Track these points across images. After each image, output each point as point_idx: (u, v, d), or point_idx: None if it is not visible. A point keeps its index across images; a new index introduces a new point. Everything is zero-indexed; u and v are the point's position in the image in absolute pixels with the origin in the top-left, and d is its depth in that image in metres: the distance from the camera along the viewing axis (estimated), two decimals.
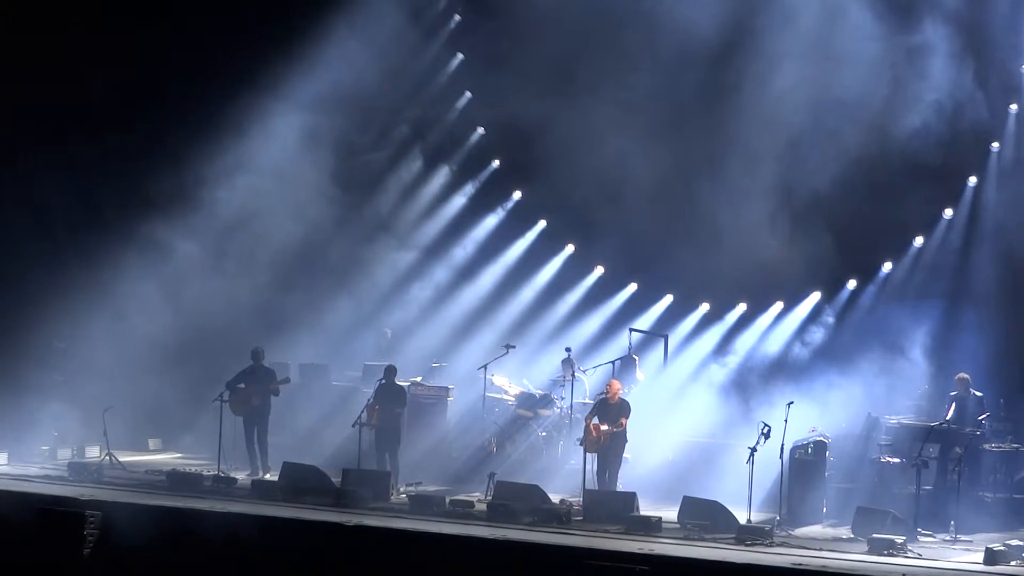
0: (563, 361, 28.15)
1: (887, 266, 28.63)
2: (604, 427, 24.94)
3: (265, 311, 30.18)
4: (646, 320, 30.07)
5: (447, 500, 24.66)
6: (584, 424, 25.25)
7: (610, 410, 25.15)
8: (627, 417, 25.06)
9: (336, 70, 29.66)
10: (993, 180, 27.78)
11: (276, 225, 30.29)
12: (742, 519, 23.22)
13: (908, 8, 27.47)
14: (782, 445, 23.68)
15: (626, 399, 25.51)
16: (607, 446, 25.06)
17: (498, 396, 28.32)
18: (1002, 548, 21.45)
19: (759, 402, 26.46)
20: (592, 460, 25.28)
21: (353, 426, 25.77)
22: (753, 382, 28.19)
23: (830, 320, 28.90)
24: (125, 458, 27.53)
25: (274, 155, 30.09)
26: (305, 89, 29.69)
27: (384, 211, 31.51)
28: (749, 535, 22.53)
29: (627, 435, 25.21)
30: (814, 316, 29.08)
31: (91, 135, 29.86)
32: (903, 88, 27.37)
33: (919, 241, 28.32)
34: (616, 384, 25.55)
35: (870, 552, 21.93)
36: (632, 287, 30.64)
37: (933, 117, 27.01)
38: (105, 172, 29.89)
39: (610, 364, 28.17)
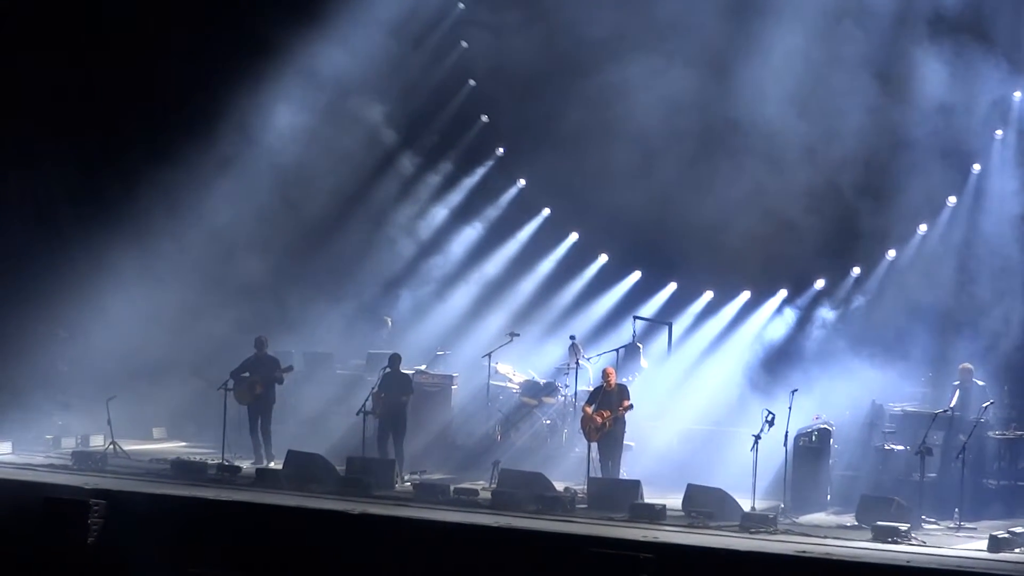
0: (567, 349, 28.15)
1: (891, 253, 28.61)
2: (607, 413, 24.92)
3: (270, 299, 30.17)
4: (650, 308, 30.07)
5: (451, 488, 24.65)
6: (583, 414, 25.25)
7: (610, 397, 25.13)
8: (628, 398, 25.06)
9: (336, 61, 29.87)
10: (997, 169, 27.75)
11: (279, 215, 30.33)
12: (746, 507, 23.21)
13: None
14: (786, 433, 23.67)
15: (622, 383, 25.53)
16: (609, 433, 25.05)
17: (502, 384, 28.33)
18: (1006, 535, 21.45)
19: (763, 390, 26.44)
20: (596, 448, 25.28)
21: (357, 414, 25.78)
22: (757, 369, 28.16)
23: (834, 308, 28.87)
24: (129, 447, 27.49)
25: (279, 140, 30.17)
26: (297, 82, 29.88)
27: (387, 200, 31.48)
28: (753, 523, 22.53)
29: (626, 420, 25.20)
30: (817, 304, 29.06)
31: (95, 121, 29.87)
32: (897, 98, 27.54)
33: (923, 229, 28.31)
34: (612, 371, 25.52)
35: (874, 540, 21.93)
36: (636, 275, 30.66)
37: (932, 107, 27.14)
38: (109, 158, 29.91)
39: (614, 352, 28.16)
